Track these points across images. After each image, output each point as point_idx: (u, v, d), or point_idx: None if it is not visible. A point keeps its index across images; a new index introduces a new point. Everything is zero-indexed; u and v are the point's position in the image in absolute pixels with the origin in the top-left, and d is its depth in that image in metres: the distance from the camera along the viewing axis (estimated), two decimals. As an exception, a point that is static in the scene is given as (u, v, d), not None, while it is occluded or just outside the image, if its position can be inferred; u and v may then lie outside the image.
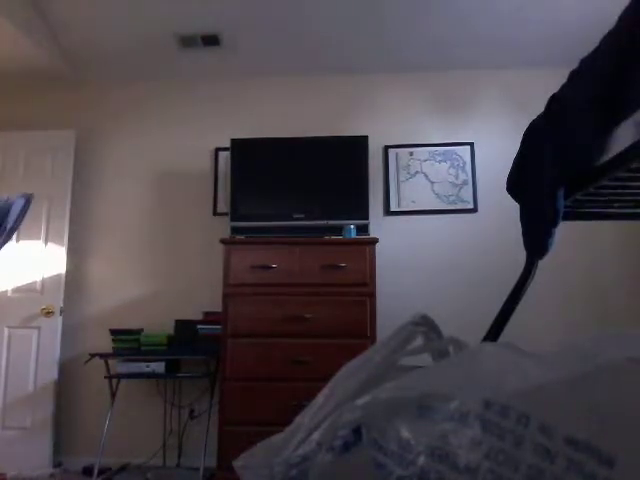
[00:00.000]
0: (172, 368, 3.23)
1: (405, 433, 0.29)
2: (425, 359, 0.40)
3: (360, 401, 0.31)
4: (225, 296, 3.02)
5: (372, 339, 2.90)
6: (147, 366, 3.13)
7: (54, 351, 3.46)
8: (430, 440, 0.28)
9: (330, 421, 0.31)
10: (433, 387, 0.30)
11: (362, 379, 0.31)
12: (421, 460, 0.28)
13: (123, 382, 3.38)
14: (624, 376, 0.25)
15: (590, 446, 0.25)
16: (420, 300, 3.47)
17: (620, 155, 0.79)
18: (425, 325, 0.36)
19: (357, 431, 0.31)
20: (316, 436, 0.32)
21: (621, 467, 0.24)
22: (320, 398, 0.33)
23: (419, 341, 0.37)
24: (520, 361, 0.30)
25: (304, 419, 0.32)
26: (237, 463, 0.32)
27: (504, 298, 1.49)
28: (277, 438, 0.32)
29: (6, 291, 3.54)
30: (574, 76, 0.89)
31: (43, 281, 3.56)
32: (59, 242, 3.59)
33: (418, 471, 0.27)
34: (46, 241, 3.59)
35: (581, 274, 3.47)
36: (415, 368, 0.34)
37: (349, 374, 0.33)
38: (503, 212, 3.32)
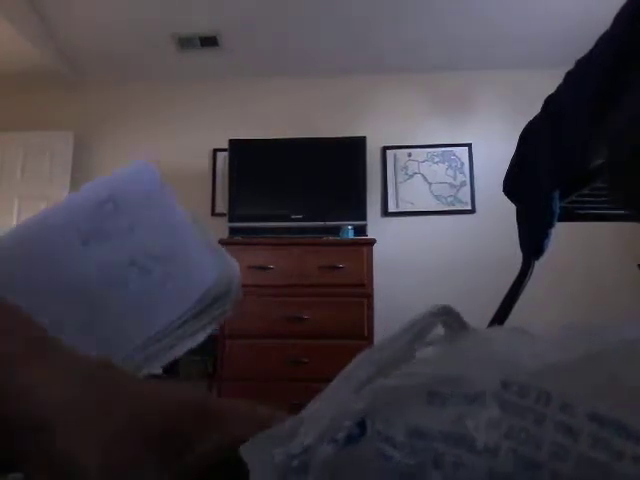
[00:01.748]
0: (170, 369, 3.22)
1: (415, 421, 0.29)
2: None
3: (364, 391, 0.31)
4: (223, 297, 3.02)
5: (369, 340, 2.91)
6: (145, 367, 3.13)
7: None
8: (444, 425, 0.28)
9: (333, 412, 0.32)
10: (444, 371, 0.30)
11: (374, 371, 0.31)
12: (434, 446, 0.27)
13: (121, 383, 3.37)
14: None
15: (616, 422, 0.24)
16: (418, 301, 3.48)
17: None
18: (446, 315, 0.35)
19: (361, 423, 0.31)
20: (319, 427, 0.32)
21: None
22: (327, 390, 0.33)
23: (439, 331, 0.36)
24: (534, 342, 0.30)
25: (309, 410, 0.33)
26: (241, 450, 0.32)
27: (502, 299, 1.50)
28: (280, 428, 0.32)
29: (4, 291, 3.54)
30: (570, 77, 0.90)
31: (41, 281, 3.55)
32: (57, 242, 3.59)
33: (432, 457, 0.27)
34: (44, 241, 3.59)
35: (581, 275, 3.48)
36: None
37: (360, 365, 0.33)
38: (501, 213, 3.32)
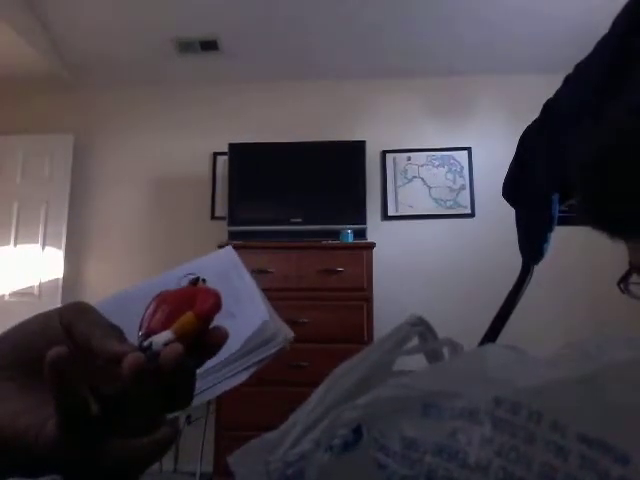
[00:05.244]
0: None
1: (410, 432, 0.29)
2: (419, 363, 0.40)
3: (361, 400, 0.31)
4: (222, 300, 3.01)
5: (369, 344, 2.90)
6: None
7: (51, 355, 3.45)
8: (437, 438, 0.28)
9: (329, 420, 0.32)
10: (439, 385, 0.30)
11: (359, 377, 0.31)
12: (428, 459, 0.28)
13: (120, 386, 3.37)
14: (637, 373, 0.25)
15: (604, 443, 0.25)
16: (417, 305, 3.47)
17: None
18: (421, 326, 0.36)
19: (357, 431, 0.31)
20: (313, 435, 0.32)
21: (636, 464, 0.24)
22: (315, 396, 0.33)
23: (415, 342, 0.37)
24: (528, 360, 0.30)
25: (299, 416, 0.33)
26: (232, 460, 0.32)
27: (501, 303, 1.49)
28: (272, 435, 0.32)
29: (3, 295, 3.53)
30: (568, 81, 0.90)
31: (40, 285, 3.55)
32: (57, 246, 3.59)
33: (425, 470, 0.27)
34: (44, 245, 3.59)
35: (581, 278, 3.48)
36: (409, 372, 0.34)
37: (345, 372, 0.33)
38: (500, 217, 3.32)
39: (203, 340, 0.34)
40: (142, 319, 0.35)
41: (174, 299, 0.35)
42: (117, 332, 0.35)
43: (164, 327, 0.33)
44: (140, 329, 0.34)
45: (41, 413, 0.32)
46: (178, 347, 0.31)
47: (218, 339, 0.35)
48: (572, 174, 0.42)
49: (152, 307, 0.35)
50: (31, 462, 0.31)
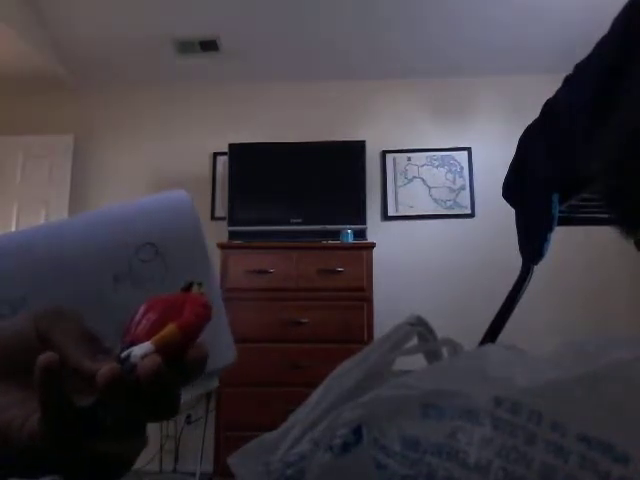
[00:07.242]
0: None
1: (410, 432, 0.29)
2: (418, 363, 0.40)
3: (360, 400, 0.31)
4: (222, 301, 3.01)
5: (369, 344, 2.90)
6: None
7: (51, 355, 3.44)
8: (437, 438, 0.28)
9: (328, 420, 0.32)
10: (439, 385, 0.30)
11: (358, 378, 0.31)
12: (428, 459, 0.28)
13: (120, 387, 3.36)
14: (637, 373, 0.25)
15: (604, 443, 0.25)
16: (417, 305, 3.47)
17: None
18: (420, 326, 0.36)
19: (357, 431, 0.31)
20: (313, 435, 0.32)
21: (636, 464, 0.24)
22: (315, 396, 0.33)
23: (414, 341, 0.37)
24: (528, 360, 0.30)
25: (298, 417, 0.33)
26: (232, 460, 0.32)
27: (501, 303, 1.50)
28: (271, 436, 0.32)
29: (3, 295, 3.53)
30: (568, 81, 0.90)
31: (40, 285, 3.55)
32: (56, 246, 3.59)
33: (425, 470, 0.27)
34: (43, 245, 3.58)
35: (581, 277, 3.48)
36: (409, 372, 0.34)
37: (345, 372, 0.33)
38: (500, 217, 3.32)
39: (185, 356, 0.32)
40: (128, 325, 0.33)
41: (162, 307, 0.34)
42: (92, 343, 0.34)
43: (147, 337, 0.32)
44: (124, 336, 0.33)
45: (25, 407, 0.32)
46: (155, 360, 0.30)
47: (195, 358, 0.32)
48: (594, 173, 0.42)
49: (140, 314, 0.33)
50: (16, 455, 0.31)
